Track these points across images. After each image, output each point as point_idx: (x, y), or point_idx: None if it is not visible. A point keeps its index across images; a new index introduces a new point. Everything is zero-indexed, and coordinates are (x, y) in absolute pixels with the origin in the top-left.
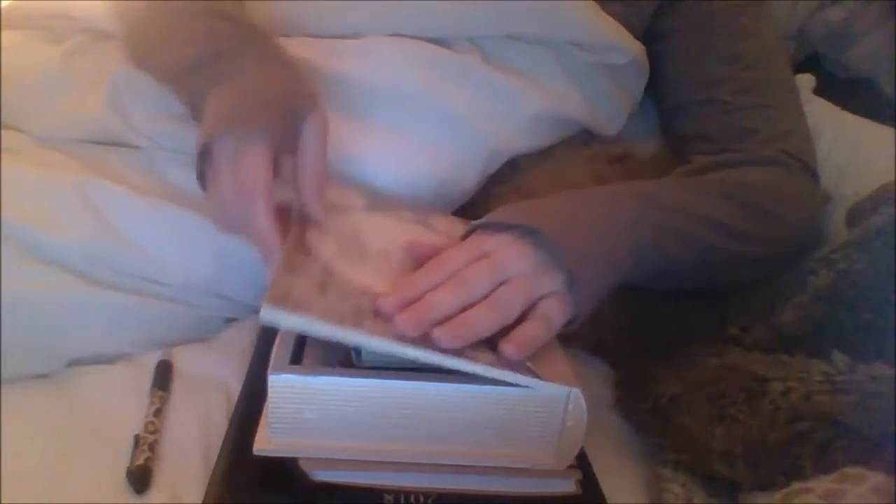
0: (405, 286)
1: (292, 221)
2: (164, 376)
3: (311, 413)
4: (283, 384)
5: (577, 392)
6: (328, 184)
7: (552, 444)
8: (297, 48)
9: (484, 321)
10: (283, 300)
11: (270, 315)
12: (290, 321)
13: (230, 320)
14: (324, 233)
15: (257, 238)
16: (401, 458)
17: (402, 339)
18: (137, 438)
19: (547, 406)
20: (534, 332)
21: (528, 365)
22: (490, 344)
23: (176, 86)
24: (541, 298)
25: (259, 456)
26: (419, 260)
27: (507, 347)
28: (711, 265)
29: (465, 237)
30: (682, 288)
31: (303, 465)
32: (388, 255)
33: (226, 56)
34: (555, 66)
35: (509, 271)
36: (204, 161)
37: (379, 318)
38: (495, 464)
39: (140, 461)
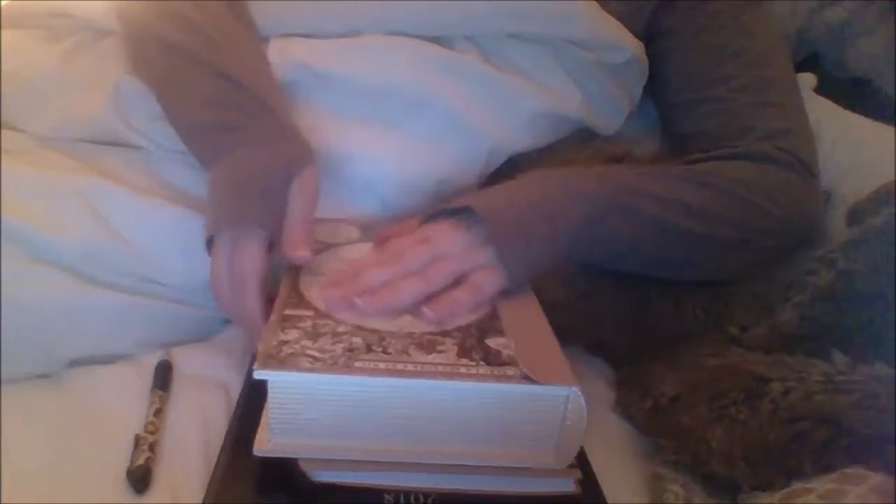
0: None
1: (287, 269)
2: (164, 376)
3: (310, 413)
4: (283, 384)
5: (576, 391)
6: (320, 223)
7: (552, 443)
8: (297, 48)
9: (407, 288)
10: (273, 358)
11: (262, 374)
12: (281, 378)
13: (230, 320)
14: (317, 275)
15: (246, 322)
16: (401, 458)
17: (394, 372)
18: (137, 438)
19: (547, 405)
20: (459, 297)
21: (524, 371)
22: (485, 356)
23: (181, 138)
24: (473, 271)
25: (260, 458)
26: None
27: (426, 310)
28: (679, 246)
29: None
30: (662, 273)
31: (303, 465)
32: None
33: (226, 128)
34: (554, 65)
35: (441, 251)
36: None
37: (372, 351)
38: (495, 463)
39: (140, 461)
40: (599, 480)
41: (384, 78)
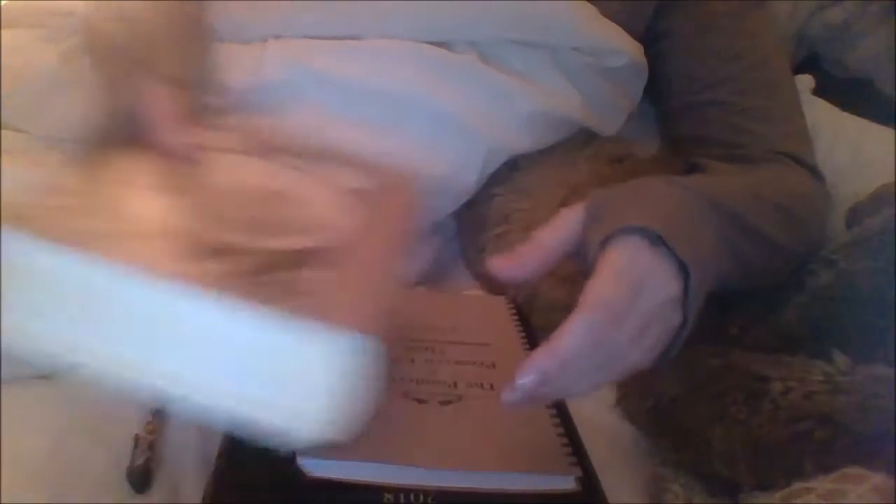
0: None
1: None
2: None
3: None
4: None
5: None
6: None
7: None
8: (295, 48)
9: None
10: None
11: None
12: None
13: None
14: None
15: None
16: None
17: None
18: (137, 438)
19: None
20: None
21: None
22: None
23: None
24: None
25: (258, 456)
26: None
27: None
28: (748, 281)
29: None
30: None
31: (300, 461)
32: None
33: None
34: (551, 68)
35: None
36: None
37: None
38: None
39: (140, 461)
40: (599, 480)
41: (382, 79)
